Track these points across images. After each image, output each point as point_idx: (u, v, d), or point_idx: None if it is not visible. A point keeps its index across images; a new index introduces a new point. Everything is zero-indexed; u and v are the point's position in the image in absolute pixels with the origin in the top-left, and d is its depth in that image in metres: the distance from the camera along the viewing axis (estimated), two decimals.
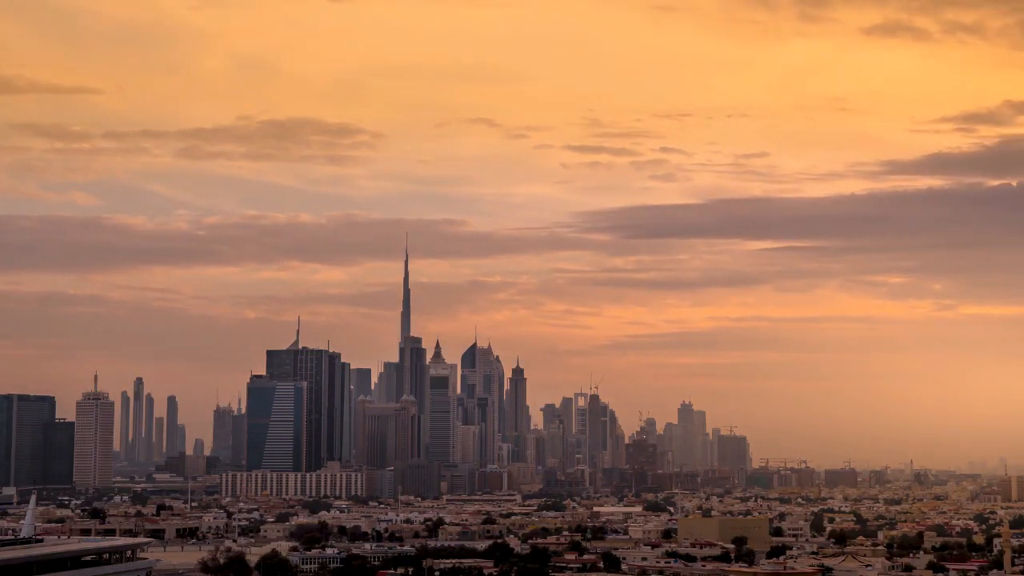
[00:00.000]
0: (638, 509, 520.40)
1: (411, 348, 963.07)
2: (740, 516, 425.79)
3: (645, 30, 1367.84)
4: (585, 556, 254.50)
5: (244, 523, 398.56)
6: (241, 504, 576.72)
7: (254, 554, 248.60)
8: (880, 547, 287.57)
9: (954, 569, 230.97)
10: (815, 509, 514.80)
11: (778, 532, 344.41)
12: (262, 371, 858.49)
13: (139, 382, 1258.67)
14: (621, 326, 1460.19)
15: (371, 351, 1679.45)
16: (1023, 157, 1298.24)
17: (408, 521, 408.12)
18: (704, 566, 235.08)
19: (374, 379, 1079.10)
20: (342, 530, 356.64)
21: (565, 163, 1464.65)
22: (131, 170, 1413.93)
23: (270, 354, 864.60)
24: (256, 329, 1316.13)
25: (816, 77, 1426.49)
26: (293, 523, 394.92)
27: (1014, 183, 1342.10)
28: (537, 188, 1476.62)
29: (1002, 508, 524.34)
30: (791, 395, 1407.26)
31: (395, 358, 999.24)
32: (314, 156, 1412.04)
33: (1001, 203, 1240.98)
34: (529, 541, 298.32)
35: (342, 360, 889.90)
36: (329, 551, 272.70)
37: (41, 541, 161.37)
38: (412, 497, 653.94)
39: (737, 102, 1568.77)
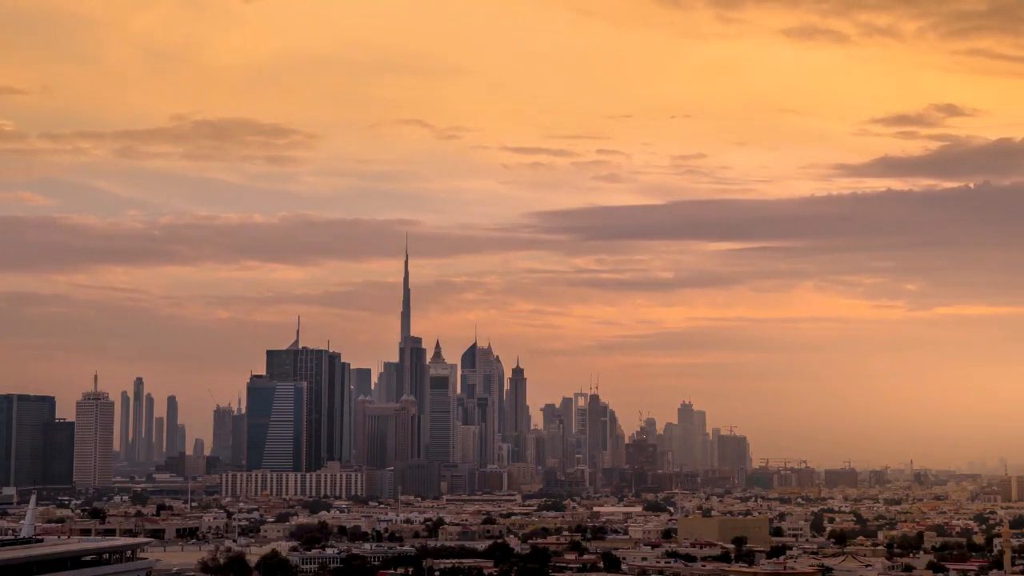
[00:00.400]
0: (638, 509, 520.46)
1: (411, 348, 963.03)
2: (740, 516, 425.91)
3: (565, 31, 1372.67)
4: (585, 556, 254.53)
5: (244, 523, 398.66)
6: (241, 504, 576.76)
7: (254, 554, 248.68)
8: (880, 547, 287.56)
9: (954, 569, 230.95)
10: (815, 509, 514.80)
11: (778, 532, 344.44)
12: (261, 371, 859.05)
13: (139, 382, 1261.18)
14: (596, 327, 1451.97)
15: (370, 351, 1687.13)
16: (969, 160, 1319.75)
17: (408, 521, 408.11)
18: (704, 566, 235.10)
19: (374, 379, 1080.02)
20: (342, 530, 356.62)
21: (506, 163, 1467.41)
22: (74, 170, 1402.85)
23: (270, 354, 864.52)
24: (230, 329, 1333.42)
25: (747, 79, 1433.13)
26: (293, 523, 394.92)
27: (971, 184, 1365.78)
28: (484, 187, 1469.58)
29: (1002, 508, 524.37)
30: (787, 395, 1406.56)
31: (395, 358, 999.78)
32: (252, 156, 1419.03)
33: (959, 205, 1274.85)
34: (529, 541, 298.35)
35: (342, 360, 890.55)
36: (329, 551, 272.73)
37: (41, 541, 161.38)
38: (412, 497, 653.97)
39: (675, 103, 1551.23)
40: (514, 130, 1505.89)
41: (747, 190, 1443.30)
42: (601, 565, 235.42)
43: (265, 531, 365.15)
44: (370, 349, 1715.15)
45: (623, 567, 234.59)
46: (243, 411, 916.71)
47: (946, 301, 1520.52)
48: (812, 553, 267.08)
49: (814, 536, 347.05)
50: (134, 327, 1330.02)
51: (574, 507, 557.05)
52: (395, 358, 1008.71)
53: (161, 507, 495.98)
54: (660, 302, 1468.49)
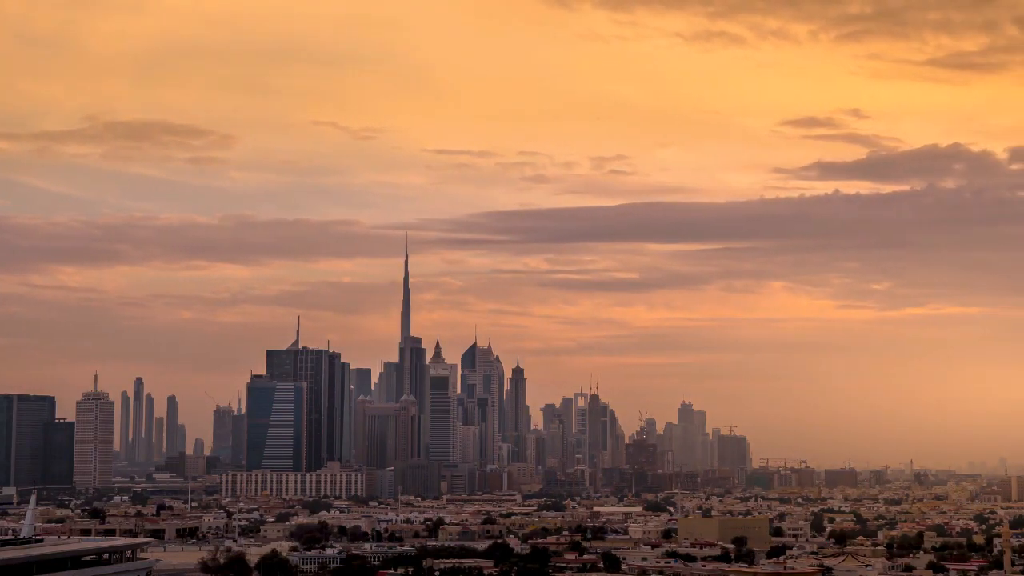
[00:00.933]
0: (638, 509, 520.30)
1: (411, 348, 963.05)
2: (740, 516, 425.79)
3: (469, 31, 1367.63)
4: (585, 556, 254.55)
5: (244, 523, 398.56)
6: (241, 504, 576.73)
7: (254, 554, 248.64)
8: (880, 547, 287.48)
9: (954, 569, 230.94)
10: (815, 509, 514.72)
11: (778, 532, 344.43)
12: (261, 371, 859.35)
13: (139, 382, 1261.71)
14: (560, 327, 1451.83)
15: (370, 351, 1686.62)
16: (903, 164, 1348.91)
17: (408, 521, 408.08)
18: (704, 566, 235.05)
19: (374, 379, 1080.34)
20: (342, 530, 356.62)
21: (430, 164, 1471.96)
22: None
23: (270, 354, 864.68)
24: (196, 329, 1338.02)
25: (657, 81, 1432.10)
26: (293, 523, 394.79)
27: (918, 187, 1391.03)
28: (418, 186, 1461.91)
29: (1002, 508, 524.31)
30: (783, 394, 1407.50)
31: (395, 358, 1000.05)
32: (171, 157, 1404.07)
33: (911, 207, 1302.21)
34: (529, 541, 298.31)
35: (342, 360, 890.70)
36: (329, 551, 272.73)
37: (41, 541, 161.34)
38: (412, 497, 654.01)
39: (589, 104, 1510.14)
40: (432, 130, 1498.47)
41: (693, 192, 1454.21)
42: (601, 565, 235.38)
43: (265, 531, 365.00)
44: (369, 349, 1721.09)
45: (623, 567, 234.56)
46: (243, 411, 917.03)
47: (918, 301, 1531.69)
48: (812, 553, 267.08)
49: (814, 536, 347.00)
50: (93, 327, 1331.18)
51: (574, 507, 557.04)
52: (389, 358, 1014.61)
53: (161, 507, 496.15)
54: (619, 302, 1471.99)
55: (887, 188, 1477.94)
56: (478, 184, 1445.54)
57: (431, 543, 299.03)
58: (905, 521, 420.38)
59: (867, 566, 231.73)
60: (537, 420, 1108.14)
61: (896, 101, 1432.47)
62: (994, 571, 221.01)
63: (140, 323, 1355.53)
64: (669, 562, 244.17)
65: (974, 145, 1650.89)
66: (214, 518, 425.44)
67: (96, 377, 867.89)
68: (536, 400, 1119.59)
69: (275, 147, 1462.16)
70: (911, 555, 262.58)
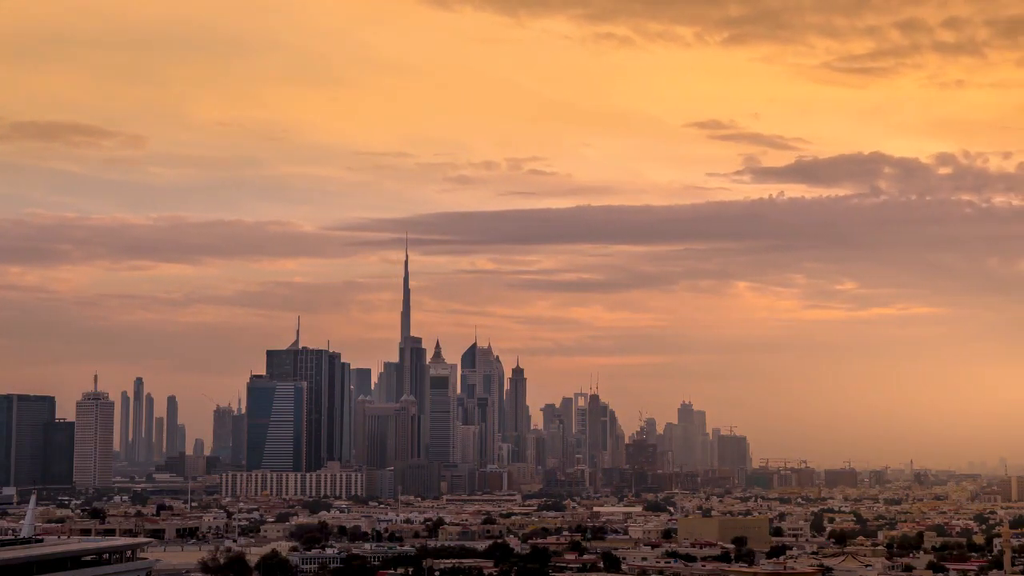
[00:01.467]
0: (638, 509, 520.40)
1: (411, 348, 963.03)
2: (740, 516, 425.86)
3: (359, 26, 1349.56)
4: (585, 556, 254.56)
5: (244, 523, 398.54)
6: (241, 504, 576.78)
7: (254, 554, 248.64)
8: (880, 547, 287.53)
9: (954, 569, 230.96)
10: (815, 509, 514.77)
11: (778, 532, 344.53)
12: (262, 371, 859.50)
13: (139, 382, 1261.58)
14: (523, 327, 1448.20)
15: (370, 351, 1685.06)
16: (832, 169, 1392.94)
17: (408, 521, 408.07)
18: (704, 566, 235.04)
19: (374, 379, 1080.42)
20: (342, 530, 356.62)
21: (351, 166, 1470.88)
22: None
23: (270, 354, 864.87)
24: (158, 328, 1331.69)
25: (560, 80, 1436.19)
26: (293, 523, 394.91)
27: (860, 191, 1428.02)
28: (348, 185, 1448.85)
29: (1002, 508, 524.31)
30: (783, 395, 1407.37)
31: (394, 358, 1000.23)
32: (85, 156, 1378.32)
33: (856, 212, 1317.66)
34: (529, 541, 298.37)
35: (342, 360, 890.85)
36: (329, 551, 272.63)
37: (41, 541, 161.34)
38: (412, 497, 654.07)
39: (498, 105, 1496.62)
40: (344, 127, 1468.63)
41: (625, 193, 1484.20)
42: (601, 565, 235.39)
43: (265, 531, 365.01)
44: (369, 349, 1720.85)
45: (623, 567, 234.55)
46: (243, 411, 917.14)
47: (884, 301, 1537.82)
48: (812, 553, 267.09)
49: (814, 536, 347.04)
50: (52, 327, 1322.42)
51: (574, 507, 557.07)
52: (388, 358, 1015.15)
53: (161, 507, 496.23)
54: (576, 302, 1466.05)
55: (825, 191, 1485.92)
56: (406, 183, 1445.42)
57: (431, 543, 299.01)
58: (905, 521, 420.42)
59: (867, 566, 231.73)
60: (537, 420, 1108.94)
61: (799, 104, 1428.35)
62: (994, 571, 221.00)
63: (100, 323, 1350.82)
64: (669, 562, 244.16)
65: (894, 150, 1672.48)
66: (214, 518, 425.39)
67: (96, 377, 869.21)
68: (535, 400, 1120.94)
69: (186, 142, 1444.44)
70: (911, 555, 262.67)
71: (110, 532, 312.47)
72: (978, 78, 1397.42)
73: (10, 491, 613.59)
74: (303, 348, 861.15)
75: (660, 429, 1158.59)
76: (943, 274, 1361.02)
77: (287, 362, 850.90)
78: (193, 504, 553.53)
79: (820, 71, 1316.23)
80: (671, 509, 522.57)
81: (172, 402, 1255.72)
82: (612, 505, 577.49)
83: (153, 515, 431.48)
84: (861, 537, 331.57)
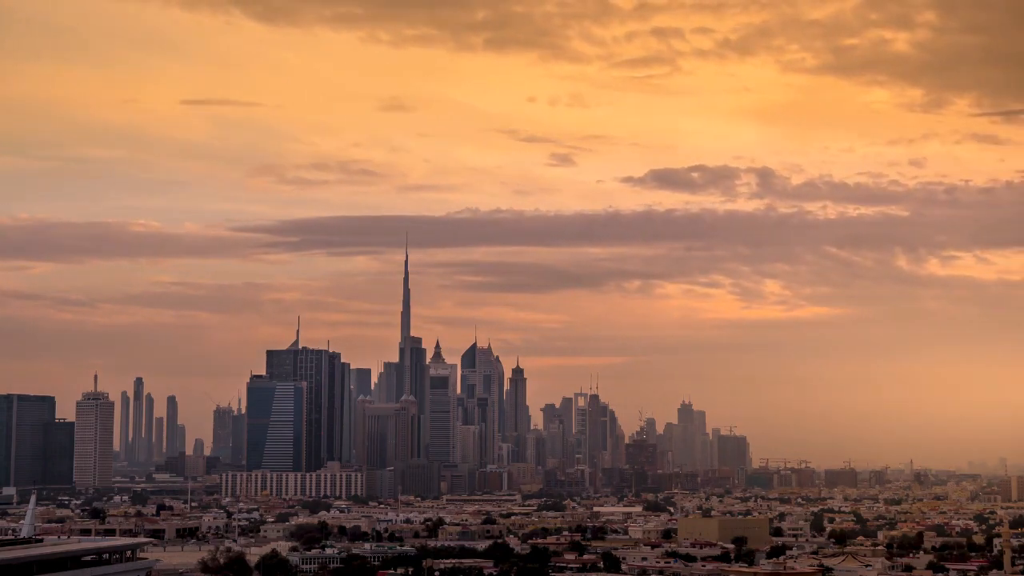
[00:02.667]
0: (638, 509, 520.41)
1: (411, 348, 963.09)
2: (740, 516, 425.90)
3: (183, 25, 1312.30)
4: (585, 556, 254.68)
5: (244, 523, 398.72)
6: (241, 504, 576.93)
7: (254, 554, 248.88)
8: (880, 547, 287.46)
9: (954, 569, 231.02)
10: (815, 509, 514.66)
11: (778, 532, 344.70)
12: (262, 371, 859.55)
13: (139, 382, 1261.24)
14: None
15: (369, 351, 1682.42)
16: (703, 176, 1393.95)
17: (408, 521, 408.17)
18: (704, 566, 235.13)
19: (374, 379, 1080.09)
20: (342, 530, 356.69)
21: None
22: None
23: (270, 354, 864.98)
24: (75, 328, 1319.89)
25: (365, 79, 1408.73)
26: (293, 523, 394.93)
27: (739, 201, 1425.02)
28: (245, 193, 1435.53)
29: (1002, 508, 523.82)
30: (783, 395, 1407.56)
31: (393, 358, 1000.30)
32: None
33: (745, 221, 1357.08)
34: (529, 541, 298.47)
35: (342, 360, 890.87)
36: (329, 551, 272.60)
37: (41, 541, 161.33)
38: (412, 497, 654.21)
39: (314, 97, 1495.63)
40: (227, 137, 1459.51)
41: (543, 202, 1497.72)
42: (601, 565, 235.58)
43: (265, 531, 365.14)
44: (371, 349, 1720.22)
45: (623, 567, 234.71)
46: (243, 411, 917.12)
47: (818, 301, 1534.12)
48: (812, 553, 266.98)
49: (814, 536, 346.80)
50: None
51: (574, 507, 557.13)
52: (388, 358, 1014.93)
53: (161, 507, 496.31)
54: (516, 304, 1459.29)
55: (697, 197, 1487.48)
56: (243, 186, 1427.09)
57: (431, 543, 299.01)
58: (905, 521, 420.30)
59: (867, 566, 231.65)
60: (537, 420, 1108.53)
61: (602, 114, 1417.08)
62: (994, 571, 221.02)
63: (13, 325, 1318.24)
64: (669, 562, 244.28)
65: (739, 161, 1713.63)
66: (214, 518, 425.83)
67: (96, 377, 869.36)
68: (535, 400, 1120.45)
69: (63, 154, 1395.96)
70: (911, 555, 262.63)
71: (110, 532, 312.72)
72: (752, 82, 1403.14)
73: (10, 491, 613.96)
74: (303, 348, 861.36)
75: (660, 429, 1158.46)
76: (859, 275, 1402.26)
77: (287, 362, 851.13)
78: (193, 504, 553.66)
79: (614, 76, 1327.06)
80: (671, 509, 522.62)
81: (172, 402, 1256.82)
82: (612, 505, 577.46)
83: (153, 515, 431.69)
84: (861, 537, 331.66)
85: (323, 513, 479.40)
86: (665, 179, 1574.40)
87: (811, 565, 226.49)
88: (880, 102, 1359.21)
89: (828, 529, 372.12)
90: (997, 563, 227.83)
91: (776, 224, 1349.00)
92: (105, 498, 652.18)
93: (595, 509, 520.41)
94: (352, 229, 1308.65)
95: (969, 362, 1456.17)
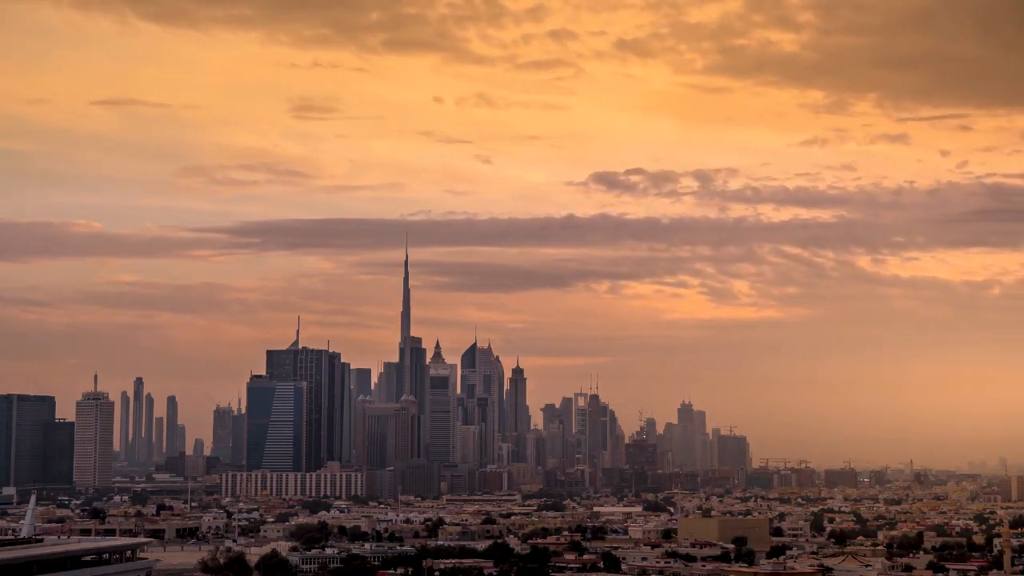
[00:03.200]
0: (638, 509, 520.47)
1: (411, 348, 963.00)
2: (740, 516, 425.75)
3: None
4: (585, 556, 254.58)
5: (244, 523, 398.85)
6: (241, 504, 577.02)
7: (254, 554, 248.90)
8: (880, 547, 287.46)
9: (954, 569, 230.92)
10: (815, 509, 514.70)
11: (778, 532, 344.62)
12: (262, 371, 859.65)
13: (139, 382, 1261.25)
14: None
15: (369, 351, 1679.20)
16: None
17: (408, 521, 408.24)
18: (704, 566, 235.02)
19: (374, 379, 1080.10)
20: (342, 530, 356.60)
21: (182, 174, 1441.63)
22: None
23: (270, 354, 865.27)
24: (34, 330, 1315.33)
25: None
26: (293, 523, 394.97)
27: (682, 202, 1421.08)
28: (179, 193, 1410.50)
29: (1002, 508, 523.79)
30: (783, 395, 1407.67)
31: (393, 358, 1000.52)
32: None
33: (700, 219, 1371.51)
34: (529, 541, 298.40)
35: (342, 360, 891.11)
36: (329, 551, 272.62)
37: (41, 541, 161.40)
38: (412, 497, 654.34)
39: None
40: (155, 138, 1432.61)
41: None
42: (601, 565, 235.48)
43: (265, 531, 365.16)
44: (371, 350, 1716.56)
45: (623, 567, 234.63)
46: (243, 411, 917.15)
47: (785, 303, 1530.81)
48: (812, 553, 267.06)
49: (814, 536, 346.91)
50: None
51: (574, 507, 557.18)
52: (388, 358, 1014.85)
53: (161, 507, 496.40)
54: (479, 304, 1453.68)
55: (644, 200, 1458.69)
56: (175, 186, 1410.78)
57: (431, 543, 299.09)
58: (905, 521, 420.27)
59: (867, 566, 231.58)
60: (537, 420, 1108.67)
61: (514, 115, 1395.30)
62: (994, 571, 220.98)
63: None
64: (669, 562, 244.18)
65: (668, 163, 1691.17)
66: (214, 518, 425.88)
67: (96, 377, 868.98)
68: (535, 400, 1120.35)
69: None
70: (911, 555, 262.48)
71: (110, 532, 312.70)
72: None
73: (10, 491, 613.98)
74: (303, 348, 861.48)
75: (660, 429, 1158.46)
76: (817, 277, 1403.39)
77: (287, 362, 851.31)
78: (193, 504, 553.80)
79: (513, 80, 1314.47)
80: (671, 509, 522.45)
81: (172, 402, 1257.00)
82: (612, 505, 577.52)
83: (153, 515, 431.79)
84: (861, 537, 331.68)
85: (323, 513, 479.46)
86: (607, 182, 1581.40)
87: (811, 565, 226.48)
88: (783, 104, 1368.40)
89: (828, 529, 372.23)
90: (997, 563, 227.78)
91: (732, 227, 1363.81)
92: (105, 498, 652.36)
93: (595, 509, 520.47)
94: (310, 231, 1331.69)
95: (956, 363, 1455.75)
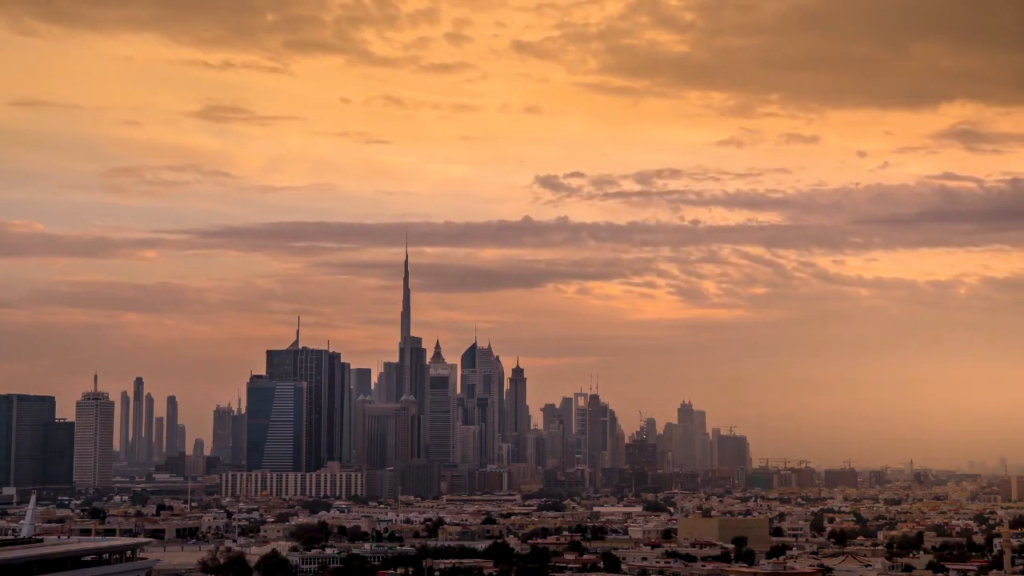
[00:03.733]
0: (638, 509, 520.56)
1: (411, 348, 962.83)
2: (740, 516, 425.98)
3: None
4: (585, 556, 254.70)
5: (244, 523, 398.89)
6: (241, 504, 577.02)
7: (254, 554, 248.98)
8: (880, 547, 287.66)
9: (954, 569, 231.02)
10: (815, 509, 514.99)
11: (778, 532, 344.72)
12: (262, 371, 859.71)
13: (139, 382, 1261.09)
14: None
15: (369, 351, 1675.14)
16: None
17: (408, 521, 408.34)
18: (704, 566, 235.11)
19: (374, 379, 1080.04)
20: (342, 530, 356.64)
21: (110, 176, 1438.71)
22: None
23: (270, 354, 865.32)
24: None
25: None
26: (293, 523, 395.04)
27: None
28: (113, 194, 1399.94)
29: (1002, 508, 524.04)
30: (783, 395, 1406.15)
31: (393, 358, 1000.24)
32: None
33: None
34: (529, 541, 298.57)
35: (342, 360, 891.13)
36: (329, 551, 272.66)
37: (41, 541, 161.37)
38: (412, 497, 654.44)
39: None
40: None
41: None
42: (601, 565, 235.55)
43: (265, 531, 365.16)
44: (371, 349, 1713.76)
45: (623, 567, 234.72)
46: (243, 411, 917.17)
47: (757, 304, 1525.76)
48: (812, 553, 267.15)
49: (814, 536, 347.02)
50: None
51: (574, 507, 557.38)
52: (388, 358, 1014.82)
53: (161, 507, 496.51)
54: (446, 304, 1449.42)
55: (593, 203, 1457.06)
56: (108, 187, 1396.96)
57: (431, 543, 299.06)
58: (905, 521, 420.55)
59: (867, 566, 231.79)
60: (537, 420, 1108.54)
61: (428, 117, 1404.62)
62: (994, 571, 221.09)
63: None
64: (669, 562, 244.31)
65: (600, 166, 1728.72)
66: (214, 518, 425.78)
67: (96, 377, 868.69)
68: (535, 400, 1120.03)
69: None
70: (911, 555, 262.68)
71: (110, 532, 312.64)
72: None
73: (10, 491, 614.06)
74: (303, 348, 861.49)
75: (660, 429, 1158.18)
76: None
77: (287, 362, 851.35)
78: (193, 504, 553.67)
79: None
80: (671, 509, 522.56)
81: (172, 402, 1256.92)
82: (612, 505, 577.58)
83: (153, 515, 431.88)
84: (861, 537, 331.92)
85: (323, 513, 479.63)
86: (551, 185, 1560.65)
87: (811, 565, 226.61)
88: (689, 105, 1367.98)
89: (828, 529, 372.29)
90: (997, 563, 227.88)
91: (689, 228, 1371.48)
92: (105, 498, 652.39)
93: (595, 509, 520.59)
94: (267, 233, 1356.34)
95: (956, 364, 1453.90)
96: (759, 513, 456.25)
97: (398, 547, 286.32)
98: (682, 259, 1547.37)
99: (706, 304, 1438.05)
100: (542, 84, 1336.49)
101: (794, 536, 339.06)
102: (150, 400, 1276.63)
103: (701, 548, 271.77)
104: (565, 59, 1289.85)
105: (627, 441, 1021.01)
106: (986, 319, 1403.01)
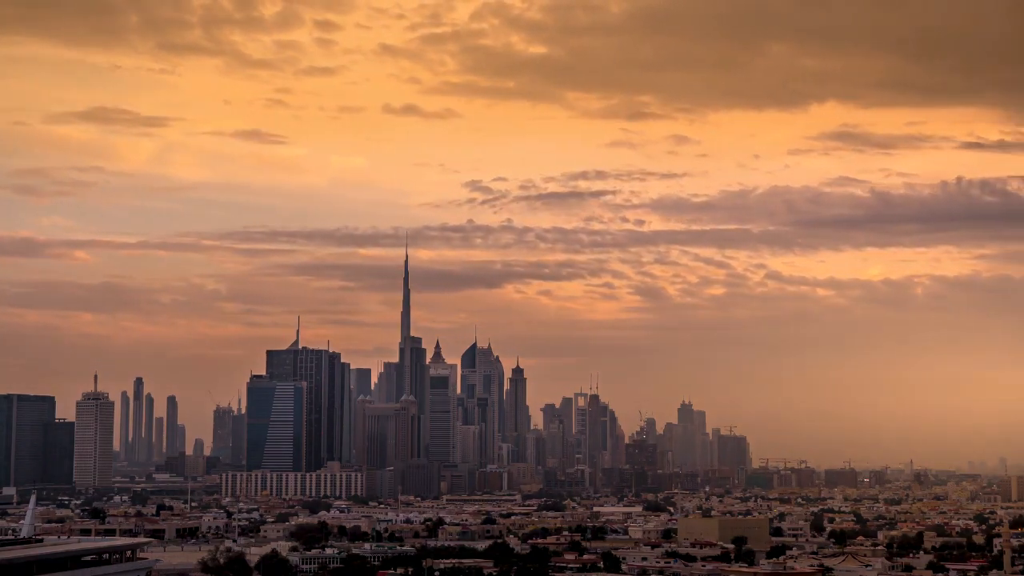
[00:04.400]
0: (638, 509, 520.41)
1: (411, 348, 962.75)
2: (740, 516, 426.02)
3: None
4: (585, 556, 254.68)
5: (244, 523, 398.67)
6: (241, 504, 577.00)
7: (254, 554, 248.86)
8: (880, 547, 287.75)
9: (954, 569, 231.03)
10: (815, 509, 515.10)
11: (778, 532, 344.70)
12: (262, 371, 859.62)
13: (139, 382, 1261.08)
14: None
15: (369, 351, 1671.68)
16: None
17: (408, 521, 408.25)
18: (704, 566, 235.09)
19: (374, 379, 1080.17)
20: (342, 530, 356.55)
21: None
22: None
23: (270, 354, 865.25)
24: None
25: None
26: (293, 523, 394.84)
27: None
28: (31, 198, 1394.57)
29: (1002, 508, 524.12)
30: (783, 395, 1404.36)
31: (395, 358, 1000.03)
32: None
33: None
34: (529, 541, 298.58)
35: (342, 360, 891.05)
36: (329, 551, 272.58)
37: (41, 541, 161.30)
38: (412, 497, 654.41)
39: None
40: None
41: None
42: (601, 565, 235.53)
43: (265, 531, 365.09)
44: (370, 349, 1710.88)
45: (623, 567, 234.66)
46: (243, 411, 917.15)
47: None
48: (812, 553, 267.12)
49: (814, 536, 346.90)
50: None
51: (574, 507, 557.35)
52: (388, 358, 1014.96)
53: (161, 507, 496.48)
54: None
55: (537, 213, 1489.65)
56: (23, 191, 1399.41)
57: (431, 543, 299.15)
58: (905, 521, 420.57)
59: (867, 566, 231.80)
60: (537, 420, 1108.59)
61: (317, 118, 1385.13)
62: (994, 571, 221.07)
63: None
64: (669, 562, 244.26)
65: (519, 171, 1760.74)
66: (214, 518, 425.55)
67: (96, 377, 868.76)
68: (535, 400, 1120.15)
69: None
70: (911, 555, 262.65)
71: (110, 532, 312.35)
72: None
73: (10, 491, 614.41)
74: (303, 348, 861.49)
75: (660, 429, 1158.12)
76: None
77: (287, 362, 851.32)
78: (193, 504, 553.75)
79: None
80: (671, 509, 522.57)
81: (172, 402, 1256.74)
82: (612, 505, 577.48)
83: (153, 515, 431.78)
84: (861, 537, 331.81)
85: (323, 513, 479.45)
86: (480, 188, 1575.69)
87: (811, 565, 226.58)
88: (571, 105, 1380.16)
89: (828, 529, 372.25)
90: (997, 563, 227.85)
91: (631, 232, 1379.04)
92: (105, 498, 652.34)
93: (595, 509, 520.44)
94: (221, 235, 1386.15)
95: (954, 363, 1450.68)
96: (759, 513, 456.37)
97: (398, 547, 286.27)
98: (634, 260, 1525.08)
99: (669, 305, 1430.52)
100: (417, 86, 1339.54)
101: (794, 536, 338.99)
102: (150, 400, 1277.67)
103: (701, 548, 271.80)
104: (424, 62, 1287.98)
105: (627, 441, 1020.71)
106: (949, 318, 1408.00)
